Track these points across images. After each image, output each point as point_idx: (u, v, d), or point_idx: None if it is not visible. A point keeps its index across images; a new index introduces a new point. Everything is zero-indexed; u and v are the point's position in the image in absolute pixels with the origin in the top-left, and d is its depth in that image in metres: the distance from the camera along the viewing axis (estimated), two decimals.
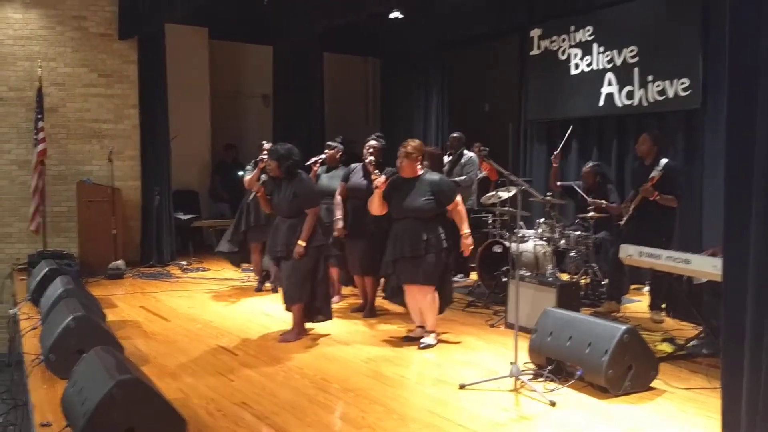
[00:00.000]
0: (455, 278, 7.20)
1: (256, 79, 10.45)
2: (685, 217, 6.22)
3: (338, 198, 5.56)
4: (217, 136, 9.89)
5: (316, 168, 6.13)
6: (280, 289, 5.18)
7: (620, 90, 7.10)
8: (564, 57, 7.76)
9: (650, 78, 6.78)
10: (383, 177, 4.76)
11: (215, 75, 9.83)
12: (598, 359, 3.68)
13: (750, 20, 2.43)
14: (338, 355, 4.61)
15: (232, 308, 6.13)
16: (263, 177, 5.17)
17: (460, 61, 9.92)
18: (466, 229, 4.73)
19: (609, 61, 7.23)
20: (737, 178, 2.48)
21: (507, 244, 6.18)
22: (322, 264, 4.92)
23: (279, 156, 4.87)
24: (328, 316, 5.04)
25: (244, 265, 7.37)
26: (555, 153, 6.50)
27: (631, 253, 4.72)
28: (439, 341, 4.83)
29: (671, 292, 5.15)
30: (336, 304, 5.88)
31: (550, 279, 5.31)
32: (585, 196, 6.05)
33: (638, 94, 6.91)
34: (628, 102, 7.03)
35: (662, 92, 6.68)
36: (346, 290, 6.41)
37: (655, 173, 5.31)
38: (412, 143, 4.74)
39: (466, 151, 7.28)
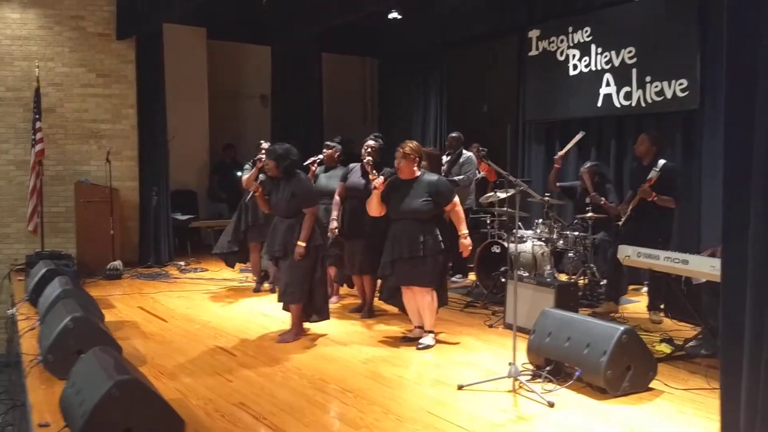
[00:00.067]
0: (454, 278, 7.24)
1: (254, 80, 10.45)
2: (684, 217, 6.23)
3: (337, 198, 5.56)
4: (216, 136, 9.89)
5: (314, 168, 6.13)
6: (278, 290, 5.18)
7: (618, 91, 7.11)
8: (562, 58, 7.77)
9: (648, 79, 6.79)
10: (381, 178, 4.76)
11: (213, 75, 9.83)
12: (596, 360, 3.68)
13: (748, 20, 2.43)
14: (337, 355, 4.61)
15: (230, 309, 6.12)
16: (261, 176, 5.16)
17: (458, 62, 9.93)
18: (464, 230, 4.73)
19: (607, 62, 7.24)
20: (736, 179, 2.48)
21: (505, 244, 6.19)
22: (320, 264, 4.92)
23: (277, 156, 4.87)
24: (325, 316, 5.04)
25: (242, 266, 7.36)
26: (559, 154, 6.48)
27: (629, 253, 4.72)
28: (438, 342, 4.83)
29: (670, 293, 5.15)
30: (334, 304, 5.89)
31: (549, 279, 5.31)
32: (590, 188, 6.01)
33: (636, 94, 6.92)
34: (627, 103, 7.03)
35: (660, 93, 6.69)
36: (344, 291, 6.41)
37: (653, 174, 5.31)
38: (410, 144, 4.74)
39: (464, 151, 7.29)
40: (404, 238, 4.64)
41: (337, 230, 5.42)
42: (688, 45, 6.43)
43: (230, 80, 10.24)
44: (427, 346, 4.72)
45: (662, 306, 5.51)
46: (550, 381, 3.86)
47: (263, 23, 9.47)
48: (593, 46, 7.40)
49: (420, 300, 4.75)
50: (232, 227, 6.72)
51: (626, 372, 3.73)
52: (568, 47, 7.70)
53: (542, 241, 6.26)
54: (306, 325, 5.08)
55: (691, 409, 3.60)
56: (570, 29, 7.66)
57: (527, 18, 8.23)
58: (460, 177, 7.04)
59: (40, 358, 4.07)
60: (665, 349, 4.56)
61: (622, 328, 3.77)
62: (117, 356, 3.50)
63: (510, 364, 3.84)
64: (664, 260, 4.44)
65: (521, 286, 4.99)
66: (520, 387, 3.81)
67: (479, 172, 7.46)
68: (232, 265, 7.14)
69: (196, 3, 7.19)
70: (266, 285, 6.75)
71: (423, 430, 3.33)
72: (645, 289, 6.22)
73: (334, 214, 5.51)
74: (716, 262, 3.81)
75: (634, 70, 6.94)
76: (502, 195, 6.41)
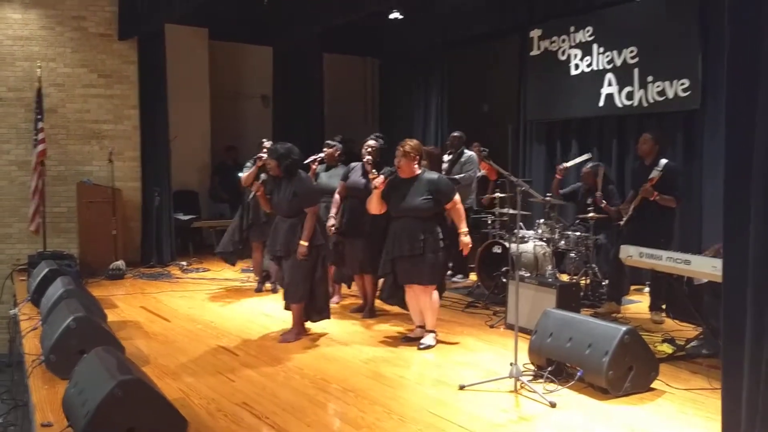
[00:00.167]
0: (455, 278, 7.24)
1: (255, 80, 10.45)
2: (685, 217, 6.23)
3: (336, 197, 5.59)
4: (217, 136, 9.89)
5: (314, 166, 6.14)
6: (281, 289, 5.18)
7: (620, 90, 7.11)
8: (564, 57, 7.77)
9: (650, 78, 6.79)
10: (381, 177, 4.76)
11: (215, 75, 9.84)
12: (598, 360, 3.68)
13: (749, 21, 2.43)
14: (338, 355, 4.62)
15: (232, 309, 6.13)
16: (262, 176, 5.17)
17: (459, 62, 9.92)
18: (464, 228, 4.74)
19: (609, 62, 7.24)
20: (737, 179, 2.48)
21: (506, 244, 6.19)
22: (321, 263, 4.93)
23: (278, 155, 4.88)
24: (326, 315, 5.05)
25: (244, 266, 7.36)
26: (564, 166, 6.47)
27: (631, 253, 4.73)
28: (439, 342, 4.83)
29: (671, 293, 5.15)
30: (335, 304, 5.89)
31: (550, 280, 5.31)
32: (598, 186, 5.98)
33: (638, 94, 6.92)
34: (628, 102, 7.03)
35: (662, 93, 6.69)
36: (345, 291, 6.42)
37: (654, 173, 5.32)
38: (410, 143, 4.75)
39: (466, 151, 7.29)
40: (404, 236, 4.64)
41: (334, 228, 5.44)
42: (690, 45, 6.43)
43: (231, 80, 10.25)
44: (428, 346, 4.73)
45: (664, 306, 5.51)
46: (552, 381, 3.86)
47: (264, 24, 9.48)
48: (595, 46, 7.40)
49: (421, 299, 4.76)
50: (234, 226, 6.74)
51: (628, 372, 3.73)
52: (570, 47, 7.70)
53: (544, 241, 6.26)
54: (307, 324, 5.09)
55: (692, 409, 3.60)
56: (572, 29, 7.66)
57: (528, 18, 8.23)
58: (461, 176, 7.04)
59: (43, 358, 4.08)
60: (667, 349, 4.57)
61: (623, 328, 3.77)
62: (120, 356, 3.50)
63: (511, 364, 3.84)
64: (666, 260, 4.44)
65: (522, 287, 5.00)
66: (522, 387, 3.81)
67: (480, 171, 7.47)
68: (233, 263, 7.15)
69: (196, 3, 7.20)
70: (268, 285, 6.75)
71: (424, 430, 3.33)
72: (647, 289, 6.22)
73: (333, 211, 5.54)
74: (718, 263, 3.81)
75: (635, 70, 6.94)
76: (503, 196, 6.42)
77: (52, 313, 4.48)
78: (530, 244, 6.24)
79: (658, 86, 6.72)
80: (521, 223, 5.39)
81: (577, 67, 7.63)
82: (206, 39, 9.70)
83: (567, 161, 6.71)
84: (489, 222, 6.97)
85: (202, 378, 4.12)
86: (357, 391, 3.86)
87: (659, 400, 3.72)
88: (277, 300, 6.18)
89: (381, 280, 5.21)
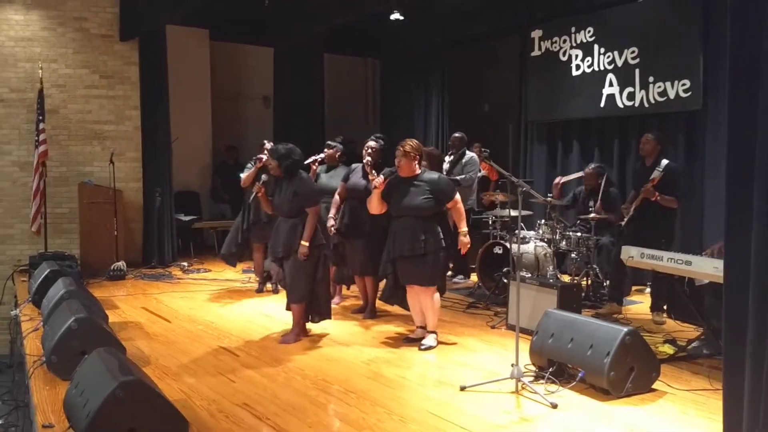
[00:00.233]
0: (456, 279, 7.24)
1: (256, 81, 10.46)
2: (686, 217, 6.23)
3: (336, 197, 5.59)
4: (218, 137, 9.90)
5: (315, 167, 6.15)
6: (282, 290, 5.18)
7: (621, 91, 7.10)
8: (565, 58, 7.77)
9: (651, 79, 6.78)
10: (381, 178, 4.77)
11: (216, 76, 9.84)
12: (599, 361, 3.68)
13: (751, 21, 2.42)
14: (339, 356, 4.62)
15: (233, 309, 6.13)
16: (263, 176, 5.18)
17: (460, 62, 9.92)
18: (464, 228, 4.74)
19: (610, 62, 7.23)
20: (738, 179, 2.48)
21: (507, 245, 6.18)
22: (322, 264, 4.93)
23: (279, 155, 4.88)
24: (327, 316, 5.05)
25: (245, 266, 7.36)
26: (558, 181, 6.47)
27: (632, 254, 4.72)
28: (440, 343, 4.83)
29: (673, 294, 5.15)
30: (336, 305, 5.89)
31: (551, 280, 5.31)
32: (603, 188, 5.99)
33: (639, 95, 6.91)
34: (629, 103, 7.03)
35: (663, 93, 6.68)
36: (346, 291, 6.42)
37: (656, 174, 5.32)
38: (410, 143, 4.75)
39: (467, 152, 7.29)
40: (405, 236, 4.64)
41: (333, 228, 5.44)
42: (691, 45, 6.42)
43: (232, 81, 10.25)
44: (429, 347, 4.73)
45: (665, 307, 5.51)
46: (553, 382, 3.85)
47: (265, 24, 9.49)
48: (596, 47, 7.39)
49: (422, 300, 4.76)
50: (237, 228, 6.74)
51: (629, 373, 3.72)
52: (571, 47, 7.70)
53: (545, 241, 6.26)
54: (308, 325, 5.09)
55: (693, 410, 3.60)
56: (572, 29, 7.65)
57: (528, 18, 8.23)
58: (462, 176, 7.04)
59: (44, 359, 4.08)
60: (668, 350, 4.56)
61: (625, 329, 3.76)
62: (121, 357, 3.51)
63: (512, 365, 3.84)
64: (668, 261, 4.43)
65: (524, 287, 5.00)
66: (523, 388, 3.81)
67: (481, 172, 7.47)
68: (233, 264, 7.15)
69: (196, 3, 7.19)
70: (269, 285, 6.76)
71: (425, 431, 3.33)
72: (648, 290, 6.22)
73: (332, 212, 5.54)
74: (719, 263, 3.80)
75: (637, 71, 6.93)
76: (503, 198, 6.41)
77: (54, 314, 4.48)
78: (531, 244, 6.24)
79: (659, 87, 6.71)
80: (522, 224, 5.39)
81: (578, 67, 7.62)
82: (207, 40, 9.71)
83: (564, 175, 6.74)
84: (490, 222, 6.97)
85: (203, 379, 4.12)
86: (358, 392, 3.86)
87: (661, 401, 3.72)
88: (277, 300, 6.19)
89: (383, 281, 5.21)
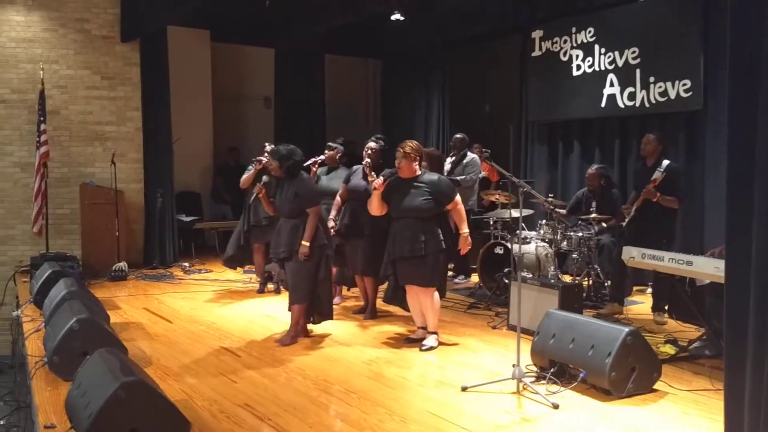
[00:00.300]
0: (457, 279, 7.24)
1: (257, 82, 10.46)
2: (687, 218, 6.23)
3: (337, 199, 5.60)
4: (220, 138, 9.90)
5: (315, 168, 6.15)
6: (284, 290, 5.18)
7: (622, 91, 7.10)
8: (566, 58, 7.77)
9: (652, 79, 6.78)
10: (381, 179, 4.77)
11: (217, 77, 9.85)
12: (601, 361, 3.68)
13: (751, 21, 2.42)
14: (340, 356, 4.62)
15: (234, 310, 6.14)
16: (264, 178, 5.18)
17: (460, 62, 9.92)
18: (465, 229, 4.74)
19: (611, 63, 7.24)
20: (739, 179, 2.48)
21: (508, 245, 6.18)
22: (324, 264, 4.93)
23: (280, 156, 4.89)
24: (329, 316, 5.05)
25: (246, 267, 7.36)
26: (548, 203, 6.44)
27: (633, 254, 4.72)
28: (441, 343, 4.83)
29: (674, 294, 5.15)
30: (337, 305, 5.89)
31: (553, 281, 5.31)
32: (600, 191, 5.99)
33: (640, 95, 6.91)
34: (630, 103, 7.03)
35: (664, 93, 6.68)
36: (346, 292, 6.43)
37: (657, 174, 5.32)
38: (410, 144, 4.75)
39: (468, 153, 7.29)
40: (405, 237, 4.64)
41: (333, 230, 5.44)
42: (691, 45, 6.42)
43: (233, 82, 10.26)
44: (430, 348, 4.73)
45: (666, 307, 5.51)
46: (554, 383, 3.85)
47: (266, 25, 9.49)
48: (596, 47, 7.39)
49: (422, 300, 4.76)
50: (239, 230, 6.74)
51: (631, 373, 3.73)
52: (572, 48, 7.70)
53: (546, 242, 6.26)
54: (309, 326, 5.09)
55: (695, 410, 3.60)
56: (573, 30, 7.65)
57: (529, 18, 8.23)
58: (462, 177, 7.04)
59: (46, 360, 4.09)
60: (669, 350, 4.56)
61: (626, 329, 3.77)
62: (122, 357, 3.51)
63: (514, 365, 3.84)
64: (669, 261, 4.43)
65: (525, 288, 5.00)
66: (524, 389, 3.81)
67: (482, 173, 7.47)
68: (233, 267, 7.14)
69: (196, 3, 7.20)
70: (270, 286, 6.76)
71: (426, 431, 3.33)
72: (649, 290, 6.22)
73: (333, 214, 5.55)
74: (720, 264, 3.80)
75: (637, 71, 6.93)
76: (504, 199, 6.41)
77: (55, 315, 4.49)
78: (532, 244, 6.24)
79: (659, 87, 6.71)
80: (523, 224, 5.39)
81: (578, 67, 7.62)
82: (208, 41, 9.72)
83: (564, 175, 6.72)
84: (491, 223, 6.97)
85: (204, 379, 4.12)
86: (359, 393, 3.87)
87: (662, 401, 3.72)
88: (279, 301, 6.20)
89: (385, 283, 5.21)
